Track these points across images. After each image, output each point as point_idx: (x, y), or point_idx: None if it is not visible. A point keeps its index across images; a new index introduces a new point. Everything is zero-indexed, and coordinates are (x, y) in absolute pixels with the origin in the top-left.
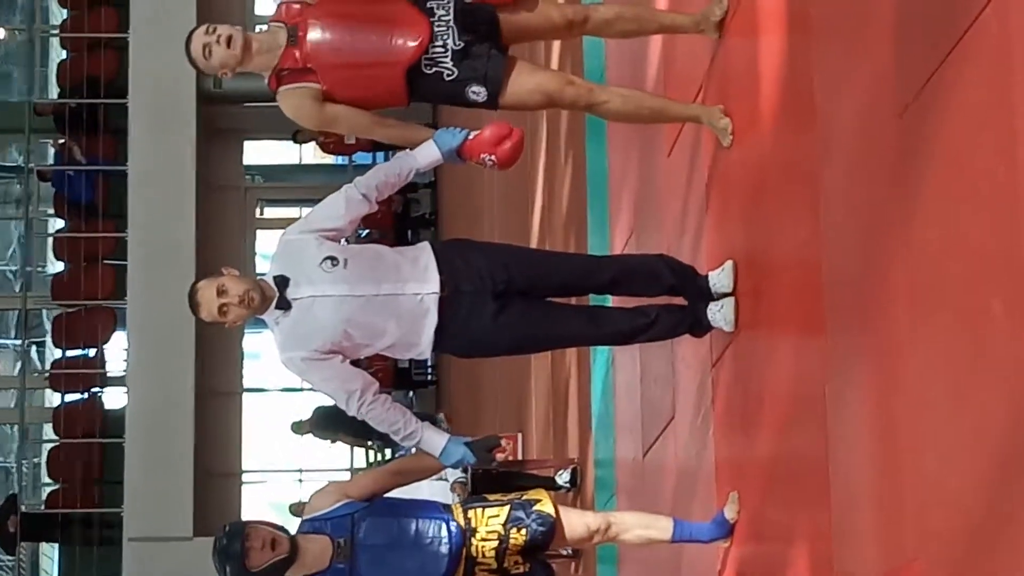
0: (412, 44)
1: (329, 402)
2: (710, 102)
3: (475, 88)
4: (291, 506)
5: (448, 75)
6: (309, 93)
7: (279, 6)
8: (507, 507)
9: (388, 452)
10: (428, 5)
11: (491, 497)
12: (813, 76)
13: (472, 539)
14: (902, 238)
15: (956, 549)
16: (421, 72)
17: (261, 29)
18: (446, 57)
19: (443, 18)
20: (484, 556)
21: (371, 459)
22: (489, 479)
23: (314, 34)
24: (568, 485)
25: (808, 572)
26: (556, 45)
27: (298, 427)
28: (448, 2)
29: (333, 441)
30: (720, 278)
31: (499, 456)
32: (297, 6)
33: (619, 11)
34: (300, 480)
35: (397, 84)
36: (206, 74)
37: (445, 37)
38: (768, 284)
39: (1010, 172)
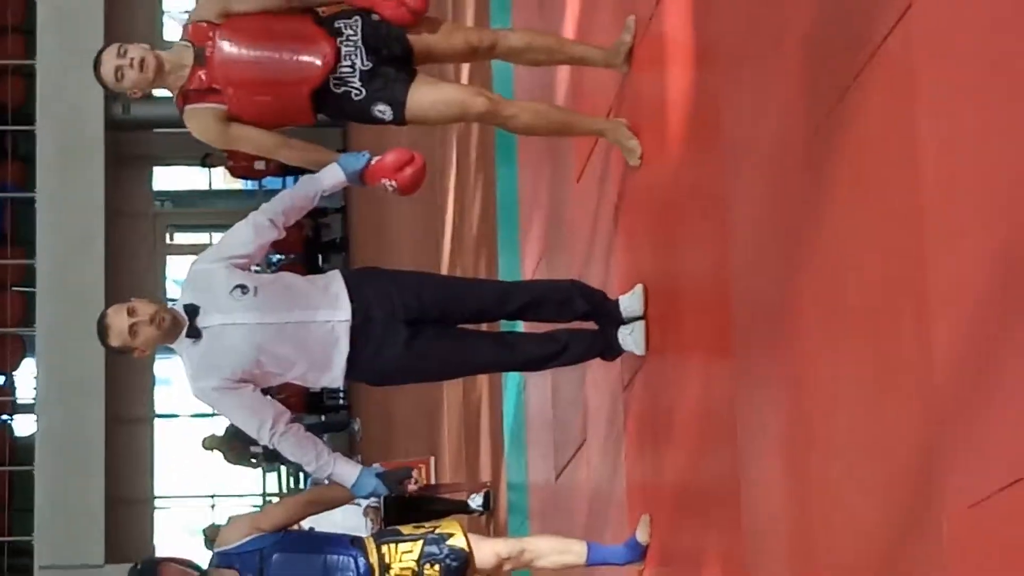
0: (318, 65)
1: None
2: None
3: (381, 107)
4: (204, 529)
5: (356, 95)
6: (214, 113)
7: (186, 26)
8: (420, 542)
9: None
10: (336, 25)
11: (404, 531)
12: (720, 101)
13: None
14: (809, 259)
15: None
16: (330, 91)
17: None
18: (354, 77)
19: (351, 38)
20: None
21: (283, 480)
22: (402, 504)
23: (220, 54)
24: (481, 509)
25: None
26: (466, 66)
27: (209, 442)
28: (356, 22)
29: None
30: (631, 302)
31: (410, 487)
32: (205, 26)
33: (529, 41)
34: (212, 505)
35: (303, 104)
36: (114, 93)
37: (353, 57)
38: (678, 307)
39: (913, 194)
